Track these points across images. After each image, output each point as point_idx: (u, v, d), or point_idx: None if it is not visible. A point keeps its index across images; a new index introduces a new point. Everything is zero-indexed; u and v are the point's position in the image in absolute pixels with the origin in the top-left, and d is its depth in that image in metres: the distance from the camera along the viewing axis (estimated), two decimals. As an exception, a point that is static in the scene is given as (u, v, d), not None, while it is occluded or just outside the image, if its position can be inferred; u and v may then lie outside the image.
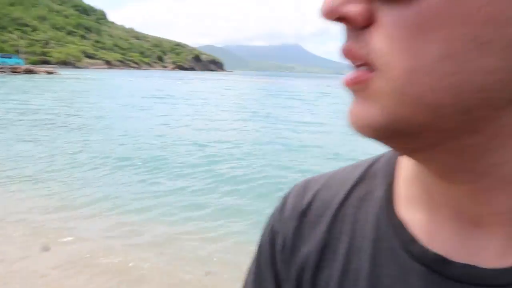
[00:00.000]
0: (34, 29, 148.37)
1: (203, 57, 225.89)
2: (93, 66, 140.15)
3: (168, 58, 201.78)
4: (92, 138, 10.56)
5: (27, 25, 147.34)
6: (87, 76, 63.11)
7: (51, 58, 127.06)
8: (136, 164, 7.83)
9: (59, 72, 69.81)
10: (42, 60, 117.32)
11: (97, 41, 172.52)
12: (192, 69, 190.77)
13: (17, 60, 65.68)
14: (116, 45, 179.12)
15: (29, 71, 60.59)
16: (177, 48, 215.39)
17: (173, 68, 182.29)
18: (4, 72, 56.50)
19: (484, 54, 0.23)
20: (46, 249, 3.91)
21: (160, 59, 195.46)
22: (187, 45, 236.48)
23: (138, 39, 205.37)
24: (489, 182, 0.29)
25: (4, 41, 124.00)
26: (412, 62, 0.25)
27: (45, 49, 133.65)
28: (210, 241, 4.38)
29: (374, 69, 0.27)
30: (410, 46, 0.25)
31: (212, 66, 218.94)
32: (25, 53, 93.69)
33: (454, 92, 0.24)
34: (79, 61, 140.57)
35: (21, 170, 7.03)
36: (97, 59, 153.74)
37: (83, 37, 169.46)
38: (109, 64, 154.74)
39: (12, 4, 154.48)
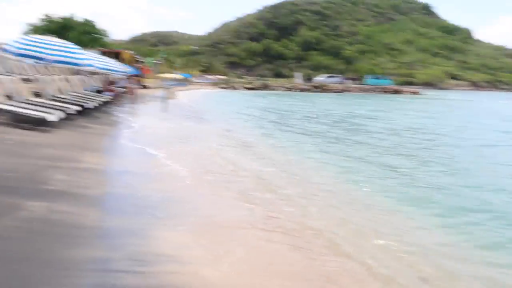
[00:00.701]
0: (401, 53, 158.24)
1: None
2: (456, 87, 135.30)
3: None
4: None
5: (395, 49, 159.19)
6: (451, 97, 60.81)
7: (415, 79, 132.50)
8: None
9: (423, 93, 71.02)
10: (408, 81, 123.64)
11: (462, 61, 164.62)
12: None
13: (388, 81, 71.36)
14: (483, 65, 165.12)
15: (396, 91, 64.84)
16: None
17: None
18: (376, 90, 63.18)
19: None
20: None
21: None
22: None
23: (510, 58, 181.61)
24: None
25: (375, 65, 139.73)
26: None
27: (410, 71, 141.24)
28: None
29: None
30: None
31: None
32: (393, 75, 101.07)
33: None
34: (442, 81, 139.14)
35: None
36: (462, 80, 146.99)
37: (447, 57, 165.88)
38: (475, 85, 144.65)
39: (383, 31, 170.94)
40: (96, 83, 20.46)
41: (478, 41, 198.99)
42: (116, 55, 34.49)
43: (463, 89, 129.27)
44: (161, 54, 75.88)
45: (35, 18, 74.50)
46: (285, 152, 11.02)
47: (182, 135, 12.32)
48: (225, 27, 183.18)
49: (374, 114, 24.01)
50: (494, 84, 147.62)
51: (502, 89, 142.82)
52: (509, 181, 8.37)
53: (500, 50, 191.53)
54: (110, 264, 3.48)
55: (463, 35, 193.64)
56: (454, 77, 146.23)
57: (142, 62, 40.18)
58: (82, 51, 13.04)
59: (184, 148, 10.10)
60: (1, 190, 4.89)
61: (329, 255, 4.39)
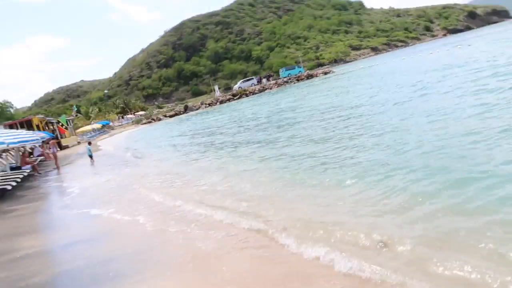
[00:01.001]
0: (306, 39, 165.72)
1: (479, 11, 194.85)
2: (360, 56, 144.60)
3: (436, 25, 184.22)
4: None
5: (299, 37, 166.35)
6: (360, 66, 64.70)
7: (323, 60, 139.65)
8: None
9: (333, 70, 74.69)
10: (318, 63, 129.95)
11: (360, 32, 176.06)
12: (468, 28, 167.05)
13: (299, 69, 73.97)
14: (378, 30, 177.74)
15: (310, 76, 67.47)
16: (444, 11, 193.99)
17: (444, 35, 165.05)
18: (291, 81, 65.24)
19: None
20: None
21: (427, 29, 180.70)
22: (457, 4, 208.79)
23: (399, 16, 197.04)
24: None
25: (285, 56, 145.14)
26: None
27: (317, 53, 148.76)
28: None
29: None
30: None
31: (494, 18, 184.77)
32: (303, 61, 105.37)
33: None
34: (348, 55, 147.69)
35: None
36: (363, 48, 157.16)
37: (346, 32, 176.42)
38: (375, 50, 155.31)
39: (285, 24, 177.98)
40: (10, 160, 19.08)
41: (370, 9, 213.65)
42: (26, 124, 32.39)
43: (366, 57, 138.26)
44: (73, 109, 72.50)
45: None
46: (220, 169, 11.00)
47: (121, 184, 11.85)
48: (132, 62, 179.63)
49: (293, 105, 24.81)
50: (391, 45, 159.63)
51: (398, 47, 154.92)
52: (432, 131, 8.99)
53: (389, 13, 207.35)
54: None
55: (356, 7, 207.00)
56: (356, 48, 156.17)
57: (56, 122, 38.05)
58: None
59: (130, 196, 9.70)
60: None
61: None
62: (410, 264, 3.89)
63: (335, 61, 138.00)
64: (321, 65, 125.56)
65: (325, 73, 68.96)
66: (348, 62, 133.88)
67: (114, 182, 12.47)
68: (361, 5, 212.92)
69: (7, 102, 60.67)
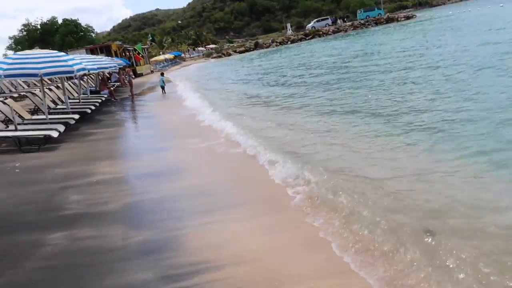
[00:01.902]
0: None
1: None
2: (449, 1, 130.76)
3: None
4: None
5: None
6: (449, 12, 58.59)
7: (407, 2, 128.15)
8: None
9: (416, 14, 68.58)
10: (399, 6, 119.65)
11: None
12: None
13: (379, 11, 68.83)
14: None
15: (390, 20, 62.68)
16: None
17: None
18: (369, 24, 61.07)
19: None
20: None
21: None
22: None
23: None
24: None
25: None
26: None
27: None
28: None
29: None
30: None
31: None
32: (383, 3, 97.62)
33: None
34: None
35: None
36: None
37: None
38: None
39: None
40: (90, 84, 20.11)
41: None
42: (105, 49, 33.82)
43: (455, 3, 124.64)
44: (148, 37, 74.36)
45: (15, 30, 73.48)
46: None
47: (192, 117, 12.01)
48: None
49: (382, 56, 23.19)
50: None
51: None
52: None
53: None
54: None
55: None
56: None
57: (132, 50, 39.36)
58: (70, 56, 12.62)
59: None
60: (22, 227, 4.77)
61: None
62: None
63: (420, 4, 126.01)
64: (403, 7, 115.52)
65: (408, 18, 63.65)
66: (434, 6, 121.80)
67: (185, 115, 12.70)
68: None
69: (89, 26, 63.44)
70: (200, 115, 12.02)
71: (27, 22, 59.03)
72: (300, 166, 5.87)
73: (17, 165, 7.38)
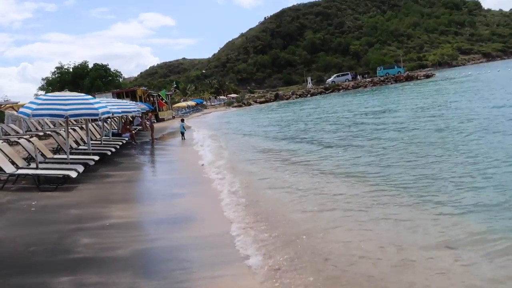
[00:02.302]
0: (409, 37, 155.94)
1: None
2: (469, 62, 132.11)
3: None
4: None
5: (402, 35, 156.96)
6: (466, 73, 59.06)
7: (426, 61, 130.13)
8: None
9: (435, 74, 69.42)
10: (420, 64, 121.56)
11: (472, 34, 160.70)
12: None
13: (399, 69, 70.00)
14: (494, 34, 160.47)
15: (409, 78, 63.50)
16: None
17: None
18: (389, 81, 61.96)
19: None
20: None
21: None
22: None
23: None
24: None
25: (385, 54, 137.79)
26: None
27: (420, 54, 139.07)
28: None
29: None
30: None
31: None
32: (403, 61, 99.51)
33: None
34: (455, 59, 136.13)
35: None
36: (474, 53, 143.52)
37: (456, 33, 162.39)
38: (487, 56, 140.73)
39: (388, 19, 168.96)
40: (113, 126, 20.63)
41: (487, 10, 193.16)
42: (131, 94, 35.02)
43: (476, 63, 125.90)
44: (172, 84, 76.90)
45: (49, 72, 77.20)
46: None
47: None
48: (230, 45, 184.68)
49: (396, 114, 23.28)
50: (507, 52, 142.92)
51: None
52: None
53: (510, 16, 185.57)
54: None
55: (471, 7, 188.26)
56: (465, 52, 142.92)
57: (156, 96, 40.67)
58: (96, 100, 13.05)
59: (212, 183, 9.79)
60: (30, 269, 4.70)
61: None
62: None
63: (439, 64, 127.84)
64: (423, 66, 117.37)
65: (427, 76, 64.43)
66: (454, 66, 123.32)
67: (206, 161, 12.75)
68: (477, 5, 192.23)
69: (118, 71, 66.12)
70: (211, 166, 11.91)
71: (60, 65, 61.96)
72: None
73: (33, 203, 7.42)
